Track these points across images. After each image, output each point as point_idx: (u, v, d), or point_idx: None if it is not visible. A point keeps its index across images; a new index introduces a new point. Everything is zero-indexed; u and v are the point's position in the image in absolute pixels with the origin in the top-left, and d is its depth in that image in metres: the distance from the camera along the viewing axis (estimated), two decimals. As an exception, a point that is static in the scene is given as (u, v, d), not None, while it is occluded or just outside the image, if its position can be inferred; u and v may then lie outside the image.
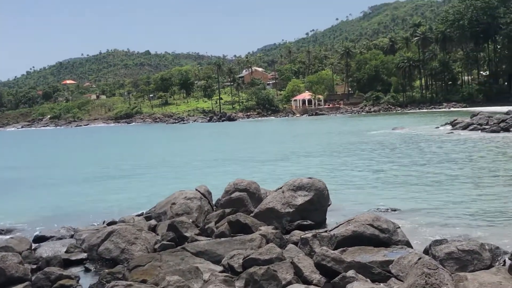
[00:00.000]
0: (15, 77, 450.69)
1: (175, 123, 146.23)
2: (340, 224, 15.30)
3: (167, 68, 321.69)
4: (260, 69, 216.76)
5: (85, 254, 16.08)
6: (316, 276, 12.16)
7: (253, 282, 11.51)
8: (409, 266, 11.00)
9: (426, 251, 13.22)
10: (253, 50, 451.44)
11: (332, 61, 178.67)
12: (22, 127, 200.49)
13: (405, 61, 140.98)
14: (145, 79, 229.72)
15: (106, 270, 14.30)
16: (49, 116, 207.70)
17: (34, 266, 15.18)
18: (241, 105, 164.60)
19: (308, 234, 15.08)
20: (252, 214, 18.63)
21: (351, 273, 11.53)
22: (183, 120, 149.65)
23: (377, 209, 20.72)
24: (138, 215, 20.78)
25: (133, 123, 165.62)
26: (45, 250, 16.70)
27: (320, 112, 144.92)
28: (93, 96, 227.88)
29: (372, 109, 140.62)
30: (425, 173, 30.26)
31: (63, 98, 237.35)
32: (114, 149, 66.44)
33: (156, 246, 15.95)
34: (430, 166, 32.99)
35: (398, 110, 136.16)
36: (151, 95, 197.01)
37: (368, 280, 11.53)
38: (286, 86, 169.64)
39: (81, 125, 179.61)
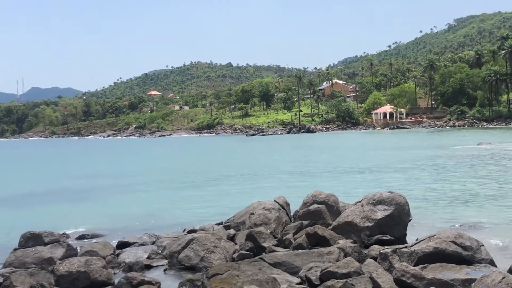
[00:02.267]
0: (103, 87, 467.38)
1: (255, 134, 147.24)
2: (421, 240, 14.93)
3: (248, 80, 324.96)
4: (340, 82, 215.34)
5: (166, 261, 16.42)
6: (395, 292, 11.92)
7: (330, 295, 11.41)
8: (493, 285, 10.62)
9: (510, 271, 12.71)
10: (334, 63, 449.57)
11: (415, 74, 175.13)
12: (108, 136, 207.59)
13: (492, 74, 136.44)
14: (226, 91, 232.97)
15: (186, 277, 14.57)
16: (134, 126, 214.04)
17: (117, 271, 15.66)
18: (321, 118, 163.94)
19: (388, 249, 14.80)
20: (330, 227, 18.48)
21: (431, 290, 11.24)
22: (263, 132, 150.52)
23: (460, 225, 20.12)
24: (218, 224, 21.05)
25: (214, 134, 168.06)
26: (128, 256, 17.16)
27: (402, 126, 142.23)
28: (177, 107, 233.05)
29: (456, 124, 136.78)
30: (511, 190, 29.12)
31: (148, 108, 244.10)
32: (196, 159, 67.60)
33: (235, 255, 16.09)
34: (517, 183, 31.73)
35: (484, 125, 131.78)
36: (232, 107, 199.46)
37: (449, 298, 11.19)
38: (366, 99, 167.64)
39: (164, 135, 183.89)
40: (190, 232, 19.75)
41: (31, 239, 17.22)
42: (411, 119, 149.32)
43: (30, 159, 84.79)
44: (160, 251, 17.28)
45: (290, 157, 62.15)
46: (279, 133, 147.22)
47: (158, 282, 14.39)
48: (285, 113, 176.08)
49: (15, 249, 17.19)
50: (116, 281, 14.28)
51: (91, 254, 15.75)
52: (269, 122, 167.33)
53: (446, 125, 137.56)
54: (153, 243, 18.94)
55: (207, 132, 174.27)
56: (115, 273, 15.15)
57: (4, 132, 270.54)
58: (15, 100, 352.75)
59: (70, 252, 16.76)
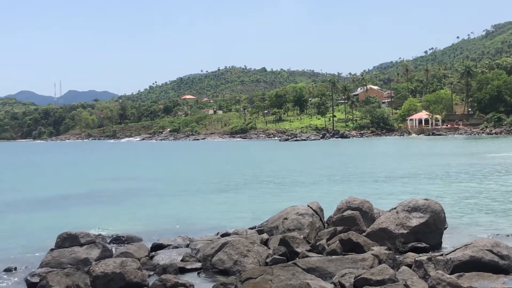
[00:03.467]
0: (139, 91, 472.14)
1: (288, 139, 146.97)
2: (457, 248, 14.75)
3: (282, 84, 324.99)
4: (375, 87, 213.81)
5: (200, 264, 16.50)
6: (430, 300, 11.78)
7: (364, 302, 11.33)
8: (532, 296, 10.42)
9: (550, 282, 12.45)
10: (368, 68, 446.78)
11: (451, 80, 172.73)
12: (143, 139, 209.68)
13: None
14: (260, 95, 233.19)
15: (219, 280, 14.62)
16: (168, 129, 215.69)
17: (152, 273, 15.79)
18: (355, 123, 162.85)
19: (423, 257, 14.64)
20: (364, 234, 18.37)
21: (467, 299, 11.08)
22: (296, 137, 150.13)
23: (497, 234, 19.77)
24: (251, 228, 21.07)
25: (247, 138, 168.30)
26: (162, 258, 17.28)
27: (437, 133, 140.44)
28: (211, 111, 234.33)
29: (493, 131, 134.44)
30: (550, 199, 28.53)
31: (182, 112, 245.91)
32: (230, 164, 67.80)
33: (268, 260, 16.09)
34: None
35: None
36: (265, 111, 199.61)
37: (486, 308, 11.02)
38: (402, 105, 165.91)
39: (198, 139, 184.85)
40: (223, 235, 19.83)
41: (67, 240, 17.50)
42: (446, 125, 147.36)
43: (67, 162, 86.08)
44: (194, 254, 17.37)
45: (323, 163, 61.88)
46: (313, 138, 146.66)
47: (192, 285, 14.48)
48: (318, 119, 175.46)
49: (51, 249, 17.48)
50: (150, 283, 14.42)
51: (126, 256, 15.92)
52: (302, 127, 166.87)
53: (483, 132, 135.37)
54: (187, 246, 19.04)
55: (240, 137, 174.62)
56: (149, 275, 15.29)
57: (42, 134, 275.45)
58: (52, 103, 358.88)
59: (106, 253, 16.96)
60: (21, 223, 26.68)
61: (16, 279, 16.14)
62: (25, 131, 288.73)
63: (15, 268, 17.18)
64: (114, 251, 17.90)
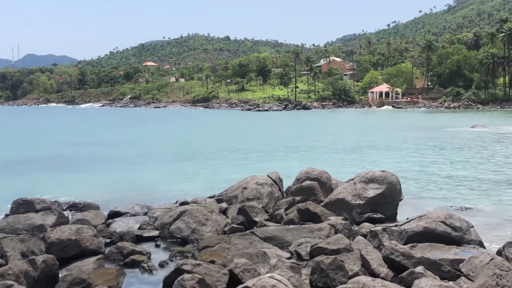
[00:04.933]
0: (99, 56, 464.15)
1: (250, 109, 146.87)
2: (411, 220, 15.06)
3: (245, 54, 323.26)
4: (338, 59, 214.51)
5: (157, 232, 16.49)
6: (384, 270, 12.04)
7: (319, 270, 11.51)
8: (481, 266, 10.73)
9: (499, 253, 12.84)
10: (332, 40, 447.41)
11: (412, 54, 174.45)
12: (103, 105, 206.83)
13: (489, 57, 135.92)
14: (223, 64, 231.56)
15: (176, 249, 14.67)
16: (129, 96, 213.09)
17: (108, 240, 15.71)
18: (317, 95, 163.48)
19: (378, 227, 14.92)
20: (322, 204, 18.59)
21: (419, 269, 11.34)
22: (258, 107, 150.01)
23: (450, 206, 20.26)
24: (210, 197, 21.11)
25: (209, 108, 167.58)
26: (119, 225, 17.22)
27: (398, 106, 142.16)
28: (172, 79, 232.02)
29: (451, 105, 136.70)
30: (502, 173, 29.28)
31: (143, 79, 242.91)
32: (191, 133, 67.55)
33: (226, 229, 16.18)
34: (509, 166, 31.89)
35: (479, 107, 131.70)
36: (228, 81, 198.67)
37: (437, 277, 11.31)
38: (363, 78, 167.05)
39: (159, 107, 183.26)
40: (182, 204, 19.81)
41: (22, 206, 17.25)
42: (406, 99, 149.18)
43: (24, 126, 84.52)
44: (151, 222, 17.33)
45: (285, 134, 62.16)
46: (275, 109, 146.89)
47: (149, 253, 14.48)
48: (281, 89, 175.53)
49: (6, 215, 17.26)
50: (106, 251, 14.36)
51: (82, 223, 15.79)
52: (265, 98, 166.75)
53: (442, 106, 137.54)
54: (145, 214, 18.99)
55: (202, 106, 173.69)
56: (106, 243, 15.21)
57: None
58: (10, 67, 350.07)
59: (62, 220, 16.80)
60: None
61: (-31, 244, 15.86)
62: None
63: (-32, 234, 16.89)
64: (70, 218, 17.74)
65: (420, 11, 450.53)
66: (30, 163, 36.37)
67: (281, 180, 21.23)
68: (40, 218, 16.70)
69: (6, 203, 18.33)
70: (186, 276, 10.78)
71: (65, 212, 18.51)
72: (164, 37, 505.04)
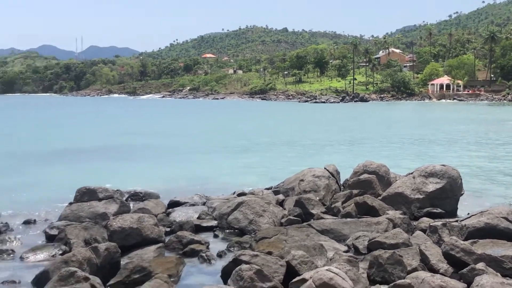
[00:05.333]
0: (159, 48, 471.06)
1: (307, 101, 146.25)
2: (473, 215, 14.71)
3: (303, 46, 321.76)
4: (397, 51, 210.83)
5: (215, 222, 16.65)
6: (443, 266, 11.83)
7: (377, 265, 11.41)
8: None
9: None
10: (391, 31, 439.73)
11: (475, 46, 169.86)
12: (163, 96, 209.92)
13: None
14: (281, 56, 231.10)
15: (234, 239, 14.79)
16: (188, 88, 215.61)
17: (168, 229, 15.96)
18: (375, 87, 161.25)
19: (438, 222, 14.64)
20: (380, 198, 18.39)
21: (480, 265, 11.09)
22: (316, 99, 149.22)
23: (510, 204, 19.69)
24: (267, 189, 21.17)
25: (267, 99, 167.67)
26: (179, 215, 17.47)
27: (459, 98, 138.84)
28: (231, 71, 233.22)
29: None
30: None
31: (202, 71, 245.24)
32: (249, 125, 67.84)
33: (283, 220, 16.21)
34: None
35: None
36: (285, 72, 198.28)
37: (498, 274, 11.04)
38: (423, 69, 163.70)
39: (217, 98, 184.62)
40: (240, 195, 19.94)
41: (86, 194, 17.72)
42: (468, 91, 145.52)
43: (88, 116, 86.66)
44: (210, 212, 17.51)
45: (342, 126, 61.67)
46: (332, 101, 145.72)
47: (207, 242, 14.66)
48: (339, 81, 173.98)
49: (70, 203, 17.73)
50: (166, 239, 14.60)
51: (143, 212, 16.09)
52: (322, 90, 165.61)
53: (505, 99, 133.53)
54: (204, 204, 19.19)
55: (259, 97, 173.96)
56: (165, 232, 15.45)
57: (62, 88, 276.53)
58: (73, 58, 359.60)
59: (123, 209, 17.17)
60: (42, 176, 27.05)
61: (35, 231, 16.43)
62: (46, 85, 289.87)
63: (34, 221, 17.48)
64: (131, 207, 18.12)
65: (483, 1, 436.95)
66: (94, 153, 37.31)
67: (338, 173, 21.09)
68: (102, 206, 17.13)
69: (70, 192, 18.82)
70: (244, 266, 10.87)
71: (126, 201, 18.89)
72: (223, 29, 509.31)
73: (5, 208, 18.88)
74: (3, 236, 15.39)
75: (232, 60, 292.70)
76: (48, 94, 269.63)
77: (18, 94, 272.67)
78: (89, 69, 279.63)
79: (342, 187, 20.79)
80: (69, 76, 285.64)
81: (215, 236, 15.82)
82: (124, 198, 19.92)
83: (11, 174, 27.67)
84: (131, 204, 18.82)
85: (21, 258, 13.56)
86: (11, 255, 13.84)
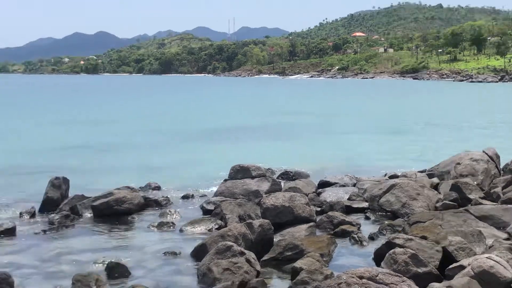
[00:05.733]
0: (309, 28, 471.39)
1: (463, 80, 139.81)
2: None
3: (458, 22, 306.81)
4: None
5: (366, 204, 16.48)
6: None
7: (542, 256, 10.70)
8: None
9: None
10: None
11: None
12: (311, 76, 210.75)
13: None
14: (434, 34, 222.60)
15: (386, 222, 14.54)
16: (337, 67, 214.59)
17: (318, 209, 16.04)
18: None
19: None
20: (546, 184, 17.17)
21: None
22: (471, 78, 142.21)
23: None
24: (420, 172, 20.56)
25: (419, 79, 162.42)
26: (329, 195, 17.48)
27: None
28: (381, 49, 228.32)
29: None
30: None
31: (351, 50, 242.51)
32: (401, 105, 66.28)
33: (438, 205, 15.67)
34: None
35: None
36: (439, 50, 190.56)
37: None
38: None
39: (367, 78, 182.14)
40: (391, 177, 19.55)
41: (240, 172, 18.27)
42: None
43: (241, 96, 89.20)
44: (360, 194, 17.34)
45: (503, 107, 58.27)
46: (490, 80, 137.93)
47: (359, 224, 14.56)
48: (497, 59, 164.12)
49: (225, 180, 18.40)
50: (317, 219, 14.69)
51: (294, 191, 16.29)
52: (479, 68, 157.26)
53: None
54: (354, 185, 19.05)
55: (411, 77, 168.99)
56: (316, 211, 15.54)
57: (215, 69, 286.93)
58: (226, 39, 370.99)
59: (275, 187, 17.50)
60: (198, 154, 28.34)
61: (193, 205, 17.27)
62: (201, 66, 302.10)
63: (192, 196, 18.35)
64: (282, 186, 18.42)
65: None
66: (246, 131, 38.42)
67: (498, 157, 19.96)
68: (255, 184, 17.59)
69: (225, 169, 19.50)
70: (398, 250, 10.67)
71: (277, 180, 19.24)
72: (373, 7, 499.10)
73: (166, 183, 19.99)
74: (164, 210, 16.33)
75: (382, 39, 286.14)
76: (202, 74, 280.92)
77: (175, 74, 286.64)
78: (240, 50, 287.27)
79: (502, 171, 19.69)
80: (221, 57, 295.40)
81: (366, 218, 15.66)
82: (275, 177, 20.31)
83: (170, 152, 29.27)
84: (282, 183, 19.12)
85: (181, 231, 14.32)
86: (171, 228, 14.66)
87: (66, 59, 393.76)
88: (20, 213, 15.82)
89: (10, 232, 13.90)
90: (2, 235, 13.73)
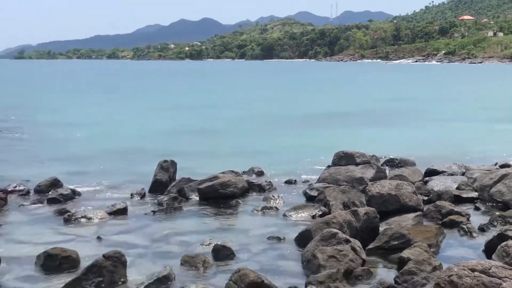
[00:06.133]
0: (414, 11, 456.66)
1: None
2: None
3: None
4: None
5: (476, 193, 15.83)
6: None
7: None
8: None
9: None
10: None
11: None
12: (416, 61, 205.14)
13: None
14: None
15: (497, 213, 13.93)
16: (443, 52, 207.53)
17: (425, 198, 15.58)
18: None
19: None
20: None
21: None
22: None
23: None
24: (535, 162, 19.51)
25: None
26: (436, 184, 16.93)
27: None
28: (490, 33, 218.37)
29: None
30: None
31: (458, 34, 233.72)
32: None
33: (555, 198, 14.80)
34: None
35: None
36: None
37: None
38: None
39: (474, 63, 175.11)
40: (502, 166, 18.72)
41: (343, 158, 18.07)
42: None
43: (345, 81, 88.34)
44: (469, 183, 16.68)
45: None
46: None
47: (468, 214, 14.04)
48: None
49: (328, 166, 18.25)
50: (424, 208, 14.28)
51: (400, 179, 15.91)
52: None
53: None
54: (463, 174, 18.35)
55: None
56: (423, 200, 15.09)
57: (317, 54, 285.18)
58: (328, 23, 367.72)
59: (380, 175, 17.15)
60: (301, 139, 28.30)
61: (296, 191, 17.27)
62: (302, 51, 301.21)
63: (295, 181, 18.35)
64: (387, 173, 18.05)
65: None
66: (350, 117, 38.06)
67: None
68: (359, 171, 17.33)
69: (328, 155, 19.34)
70: (510, 242, 10.21)
71: (382, 167, 18.87)
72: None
73: (268, 168, 20.12)
74: (267, 194, 16.47)
75: (491, 22, 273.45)
76: (303, 59, 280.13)
77: (276, 59, 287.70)
78: (342, 34, 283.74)
79: None
80: (323, 41, 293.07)
81: (476, 208, 15.05)
82: (380, 164, 19.93)
83: (273, 137, 29.42)
84: (387, 171, 18.75)
85: (284, 216, 14.38)
86: (275, 212, 14.76)
87: (172, 45, 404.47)
88: (131, 194, 16.48)
89: (122, 212, 14.54)
90: (115, 215, 14.38)
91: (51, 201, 15.72)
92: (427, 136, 29.06)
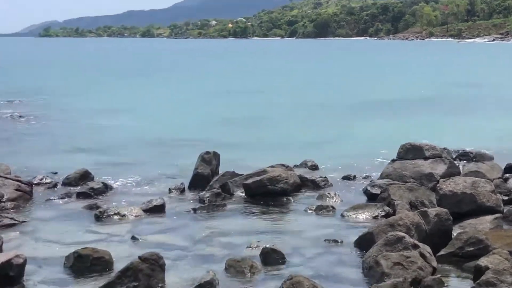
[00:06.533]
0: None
1: None
2: None
3: None
4: None
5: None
6: None
7: None
8: None
9: None
10: None
11: None
12: (493, 40, 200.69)
13: None
14: None
15: None
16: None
17: (506, 198, 15.25)
18: None
19: None
20: None
21: None
22: None
23: None
24: None
25: None
26: (518, 181, 16.62)
27: None
28: None
29: None
30: None
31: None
32: None
33: None
34: None
35: None
36: None
37: None
38: None
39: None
40: None
41: (410, 151, 17.82)
42: None
43: (408, 62, 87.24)
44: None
45: None
46: None
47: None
48: None
49: (393, 160, 18.06)
50: (505, 210, 13.99)
51: (476, 175, 15.62)
52: None
53: None
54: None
55: None
56: (503, 200, 14.77)
57: (378, 31, 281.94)
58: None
59: (452, 170, 16.89)
60: (361, 129, 28.05)
61: (355, 188, 17.16)
62: (361, 28, 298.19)
63: (354, 177, 18.25)
64: (461, 169, 17.76)
65: None
66: (418, 105, 37.49)
67: None
68: (429, 166, 17.08)
69: (392, 147, 19.12)
70: None
71: (455, 162, 18.59)
72: None
73: (323, 162, 20.03)
74: (322, 191, 16.42)
75: None
76: (362, 38, 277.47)
77: (331, 38, 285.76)
78: (408, 9, 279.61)
79: None
80: (386, 17, 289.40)
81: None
82: (452, 158, 19.61)
83: (328, 127, 29.29)
84: (461, 166, 18.45)
85: (342, 216, 14.33)
86: (331, 212, 14.72)
87: (213, 22, 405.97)
88: (169, 189, 16.66)
89: (159, 209, 14.71)
90: (151, 212, 14.54)
91: (81, 196, 16.05)
92: (507, 127, 28.43)
